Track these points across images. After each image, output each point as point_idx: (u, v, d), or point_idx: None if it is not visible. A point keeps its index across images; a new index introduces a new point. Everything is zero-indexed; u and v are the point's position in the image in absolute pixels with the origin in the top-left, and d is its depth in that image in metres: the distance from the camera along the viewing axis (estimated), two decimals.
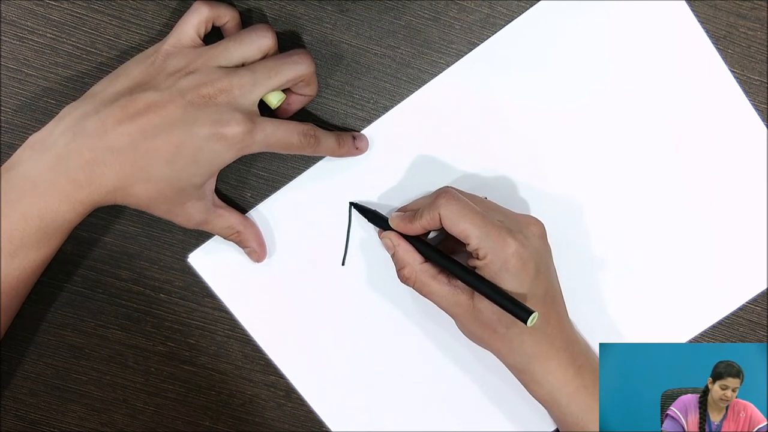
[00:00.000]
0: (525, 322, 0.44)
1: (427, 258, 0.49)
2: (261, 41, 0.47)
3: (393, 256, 0.50)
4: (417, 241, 0.49)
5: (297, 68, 0.47)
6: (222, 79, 0.45)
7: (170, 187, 0.46)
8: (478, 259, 0.46)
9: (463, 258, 0.48)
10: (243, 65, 0.47)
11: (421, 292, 0.49)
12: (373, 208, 0.52)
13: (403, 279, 0.49)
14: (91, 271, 0.53)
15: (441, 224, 0.47)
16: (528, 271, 0.46)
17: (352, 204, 0.53)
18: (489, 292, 0.46)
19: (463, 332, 0.50)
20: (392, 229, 0.50)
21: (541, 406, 0.50)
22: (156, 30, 0.51)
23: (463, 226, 0.46)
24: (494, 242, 0.45)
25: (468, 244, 0.46)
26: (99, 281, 0.53)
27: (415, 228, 0.49)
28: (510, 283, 0.46)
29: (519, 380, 0.50)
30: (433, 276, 0.48)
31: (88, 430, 0.55)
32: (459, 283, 0.48)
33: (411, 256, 0.49)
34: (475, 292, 0.47)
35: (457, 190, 0.49)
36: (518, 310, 0.44)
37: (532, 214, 0.51)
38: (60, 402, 0.54)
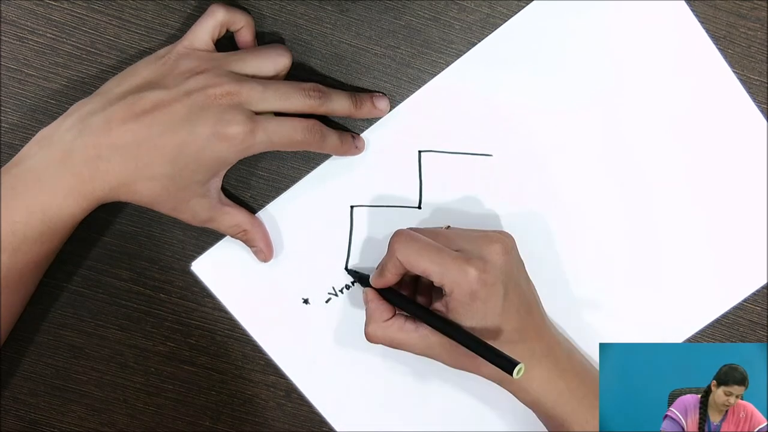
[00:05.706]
0: (511, 374, 0.43)
1: (402, 309, 0.48)
2: (279, 59, 0.48)
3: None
4: (391, 293, 0.48)
5: (307, 102, 0.47)
6: (231, 83, 0.46)
7: (174, 185, 0.46)
8: (446, 294, 0.46)
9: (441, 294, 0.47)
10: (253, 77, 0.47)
11: (391, 347, 0.48)
12: (365, 273, 0.51)
13: (367, 337, 0.49)
14: (91, 271, 0.53)
15: (405, 268, 0.46)
16: (496, 293, 0.45)
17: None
18: (476, 347, 0.44)
19: (446, 365, 0.49)
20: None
21: None
22: (156, 30, 0.51)
23: (423, 266, 0.45)
24: (455, 275, 0.45)
25: (434, 282, 0.46)
26: (99, 281, 0.53)
27: (386, 280, 0.48)
28: (481, 310, 0.45)
29: (507, 389, 0.50)
30: (400, 327, 0.48)
31: (88, 430, 0.55)
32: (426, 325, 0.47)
33: (378, 313, 0.48)
34: None
35: (413, 228, 0.48)
36: (504, 362, 0.43)
37: (502, 228, 0.51)
38: (60, 402, 0.54)
